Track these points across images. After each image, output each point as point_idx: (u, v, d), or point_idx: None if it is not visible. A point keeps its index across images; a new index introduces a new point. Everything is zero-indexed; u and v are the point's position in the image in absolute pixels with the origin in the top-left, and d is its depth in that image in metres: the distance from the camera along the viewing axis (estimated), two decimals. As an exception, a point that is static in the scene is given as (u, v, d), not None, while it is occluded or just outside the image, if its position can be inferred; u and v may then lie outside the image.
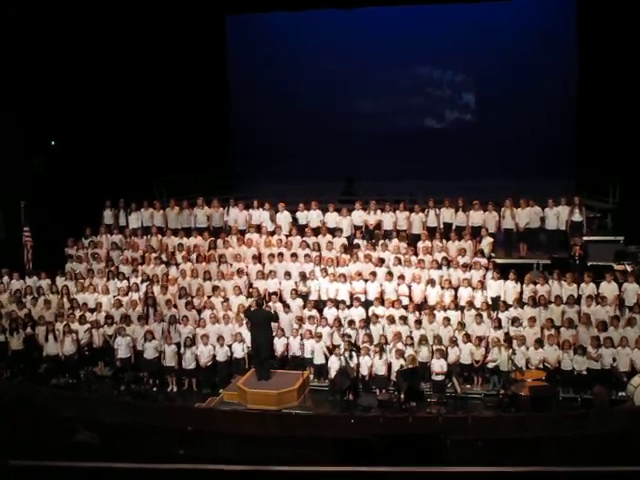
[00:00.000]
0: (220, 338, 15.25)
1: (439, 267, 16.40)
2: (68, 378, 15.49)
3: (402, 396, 13.59)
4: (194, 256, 17.61)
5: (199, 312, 16.09)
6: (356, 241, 17.56)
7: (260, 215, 18.72)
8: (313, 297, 16.38)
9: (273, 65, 23.55)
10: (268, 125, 23.48)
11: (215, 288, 16.49)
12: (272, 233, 18.11)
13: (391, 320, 15.07)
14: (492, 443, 10.44)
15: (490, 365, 14.48)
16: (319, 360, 15.05)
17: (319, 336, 15.02)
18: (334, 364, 14.37)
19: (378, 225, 18.04)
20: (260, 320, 14.73)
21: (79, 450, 9.52)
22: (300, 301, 16.09)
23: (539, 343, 14.18)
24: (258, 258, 17.38)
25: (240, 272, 16.91)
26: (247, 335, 15.08)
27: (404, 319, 15.02)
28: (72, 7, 19.55)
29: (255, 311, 15.02)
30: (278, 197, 19.28)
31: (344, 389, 14.03)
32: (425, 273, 16.29)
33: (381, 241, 17.39)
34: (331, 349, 14.84)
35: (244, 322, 15.31)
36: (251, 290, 16.43)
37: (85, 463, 5.65)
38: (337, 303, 15.77)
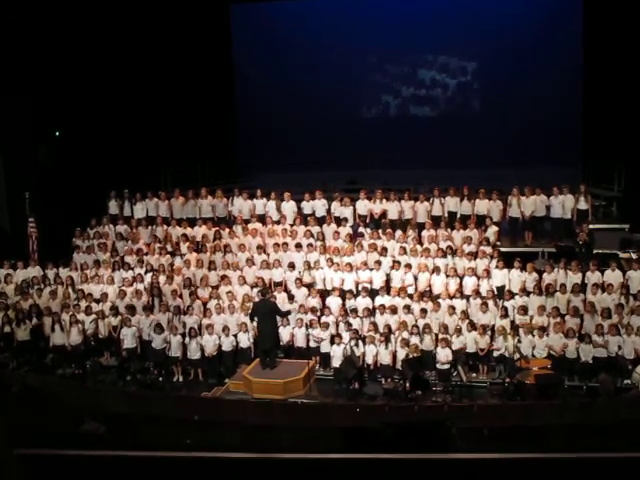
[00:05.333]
0: (225, 328, 15.25)
1: (444, 256, 16.38)
2: (74, 368, 15.51)
3: (407, 385, 13.61)
4: (199, 246, 17.61)
5: (204, 302, 16.12)
6: (361, 230, 17.54)
7: (265, 205, 18.69)
8: (318, 287, 16.38)
9: (278, 54, 23.54)
10: (272, 114, 23.47)
11: (223, 277, 16.50)
12: (277, 223, 18.10)
13: (395, 309, 15.07)
14: (498, 431, 10.46)
15: (496, 353, 14.48)
16: (325, 349, 15.07)
17: (325, 326, 15.05)
18: (337, 353, 14.41)
19: (383, 214, 18.02)
20: (264, 311, 14.72)
21: (86, 439, 9.56)
22: (305, 290, 16.10)
23: (544, 331, 14.18)
24: (263, 248, 17.39)
25: (249, 261, 16.92)
26: (251, 326, 15.14)
27: (408, 308, 15.02)
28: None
29: (259, 302, 15.00)
30: (282, 187, 19.24)
31: (350, 378, 14.06)
32: (430, 262, 16.28)
33: (384, 230, 17.33)
34: (335, 337, 14.86)
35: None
36: (256, 280, 16.43)
37: (91, 452, 5.66)
38: (344, 293, 15.77)
